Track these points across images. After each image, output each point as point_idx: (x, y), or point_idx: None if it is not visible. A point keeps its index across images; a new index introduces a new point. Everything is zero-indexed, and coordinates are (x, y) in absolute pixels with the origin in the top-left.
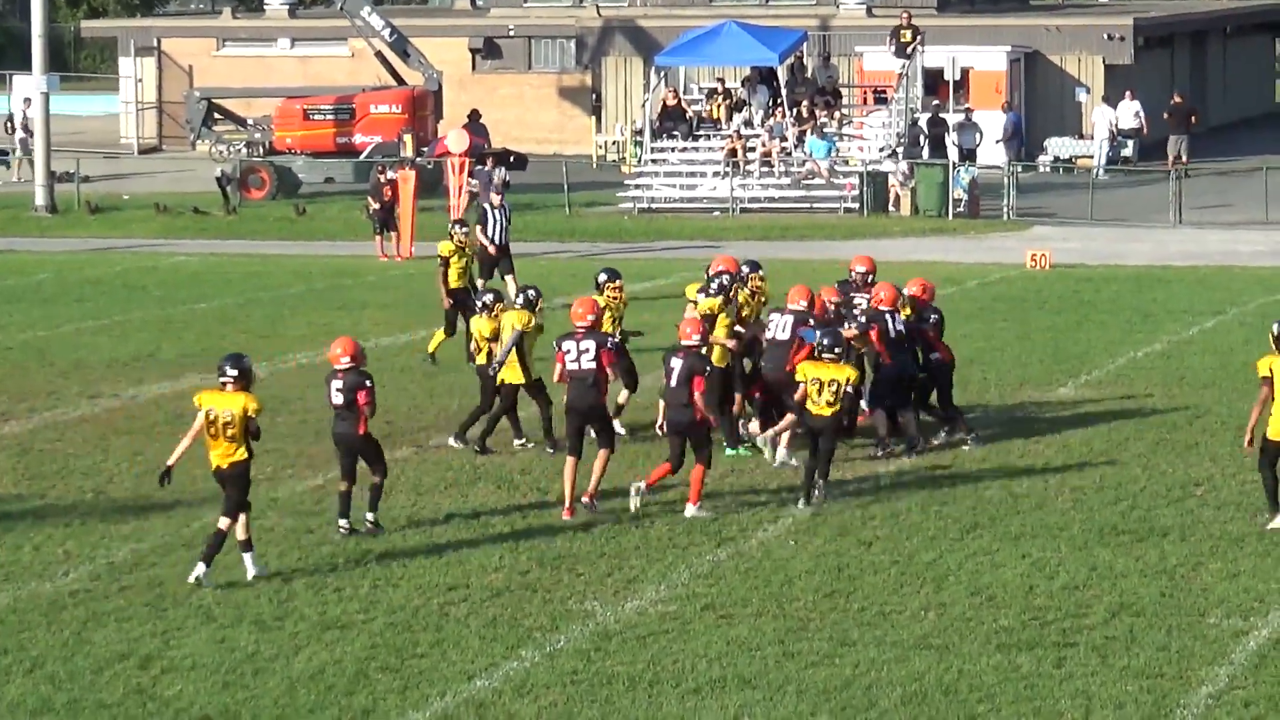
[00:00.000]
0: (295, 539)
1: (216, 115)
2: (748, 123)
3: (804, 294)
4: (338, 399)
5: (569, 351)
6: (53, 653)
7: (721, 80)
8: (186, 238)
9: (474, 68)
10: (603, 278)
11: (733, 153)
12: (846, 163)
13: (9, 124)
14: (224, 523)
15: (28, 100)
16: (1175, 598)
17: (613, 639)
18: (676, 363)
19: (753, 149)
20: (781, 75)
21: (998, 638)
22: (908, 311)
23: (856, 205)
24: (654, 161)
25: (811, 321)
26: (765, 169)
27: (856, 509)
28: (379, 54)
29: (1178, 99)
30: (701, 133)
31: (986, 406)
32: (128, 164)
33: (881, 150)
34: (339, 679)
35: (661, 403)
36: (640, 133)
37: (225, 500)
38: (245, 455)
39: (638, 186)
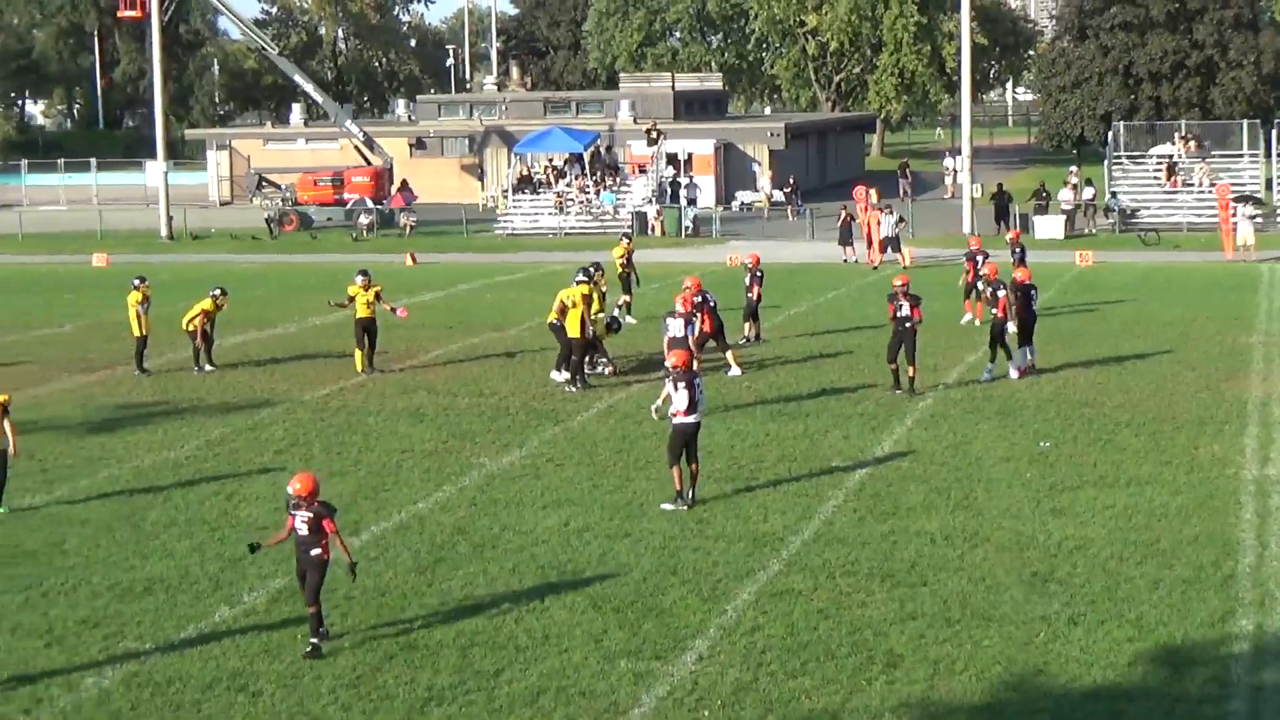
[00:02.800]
0: None
1: (264, 183)
2: (568, 185)
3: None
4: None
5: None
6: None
7: (551, 160)
8: (248, 254)
9: (410, 154)
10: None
11: (558, 202)
12: (624, 207)
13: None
14: None
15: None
16: (812, 449)
17: (495, 478)
18: None
19: (570, 199)
20: (586, 157)
21: (713, 476)
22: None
23: (631, 231)
24: (514, 206)
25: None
26: (577, 210)
27: (633, 401)
28: (356, 147)
29: (792, 179)
30: (540, 190)
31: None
32: (213, 213)
33: (644, 199)
34: None
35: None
36: (506, 191)
37: None
38: None
39: (505, 221)
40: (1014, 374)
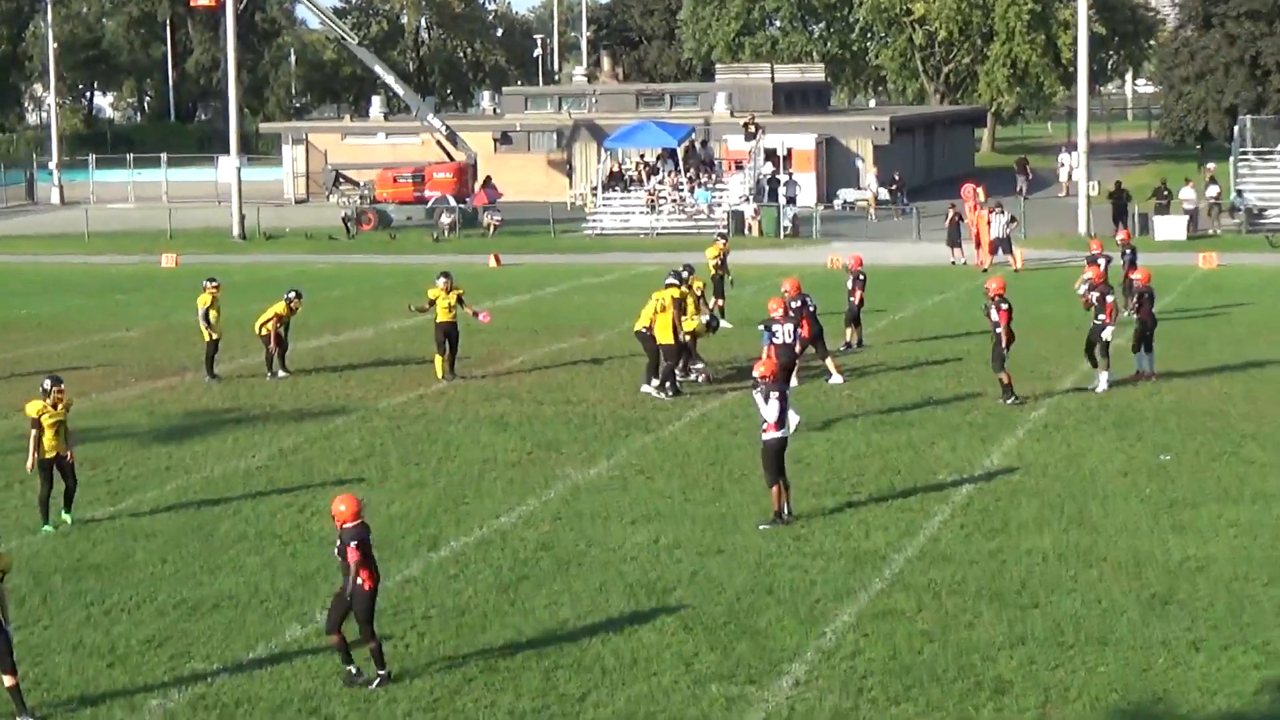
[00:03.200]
0: None
1: (341, 180)
2: (660, 182)
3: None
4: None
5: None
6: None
7: (643, 156)
8: (324, 254)
9: (495, 149)
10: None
11: (650, 200)
12: (720, 205)
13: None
14: None
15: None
16: (917, 461)
17: (582, 490)
18: None
19: (663, 197)
20: (680, 153)
21: (811, 489)
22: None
23: (726, 230)
24: (604, 205)
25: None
26: (671, 209)
27: (727, 410)
28: (439, 141)
29: (897, 176)
30: (632, 188)
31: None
32: (288, 212)
33: (740, 197)
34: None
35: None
36: (595, 188)
37: None
38: None
39: (594, 220)
40: (1103, 385)
